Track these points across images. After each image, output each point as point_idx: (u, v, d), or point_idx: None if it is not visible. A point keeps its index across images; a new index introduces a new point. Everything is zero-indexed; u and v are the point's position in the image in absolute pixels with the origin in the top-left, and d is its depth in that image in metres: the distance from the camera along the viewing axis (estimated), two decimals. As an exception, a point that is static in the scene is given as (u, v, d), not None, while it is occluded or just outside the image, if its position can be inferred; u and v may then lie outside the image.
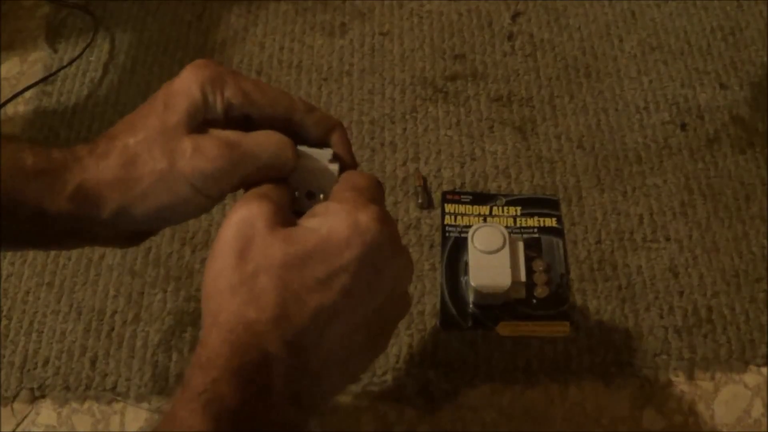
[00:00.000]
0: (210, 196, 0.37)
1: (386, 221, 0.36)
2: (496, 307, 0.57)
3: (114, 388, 0.54)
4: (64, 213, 0.35)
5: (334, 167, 0.39)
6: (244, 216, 0.36)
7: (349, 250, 0.34)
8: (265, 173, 0.38)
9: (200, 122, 0.37)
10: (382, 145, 0.66)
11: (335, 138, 0.40)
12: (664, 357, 0.55)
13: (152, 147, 0.36)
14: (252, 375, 0.32)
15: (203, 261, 0.60)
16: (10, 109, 0.69)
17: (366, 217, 0.35)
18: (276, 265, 0.33)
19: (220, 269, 0.34)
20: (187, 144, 0.36)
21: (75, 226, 0.36)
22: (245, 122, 0.38)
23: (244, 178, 0.38)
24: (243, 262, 0.34)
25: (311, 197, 0.39)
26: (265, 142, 0.37)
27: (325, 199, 0.39)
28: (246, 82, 0.38)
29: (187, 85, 0.37)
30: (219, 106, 0.37)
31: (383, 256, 0.35)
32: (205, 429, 0.30)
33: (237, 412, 0.31)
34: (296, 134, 0.39)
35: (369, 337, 0.36)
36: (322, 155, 0.39)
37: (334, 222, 0.34)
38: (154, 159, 0.35)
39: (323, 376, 0.35)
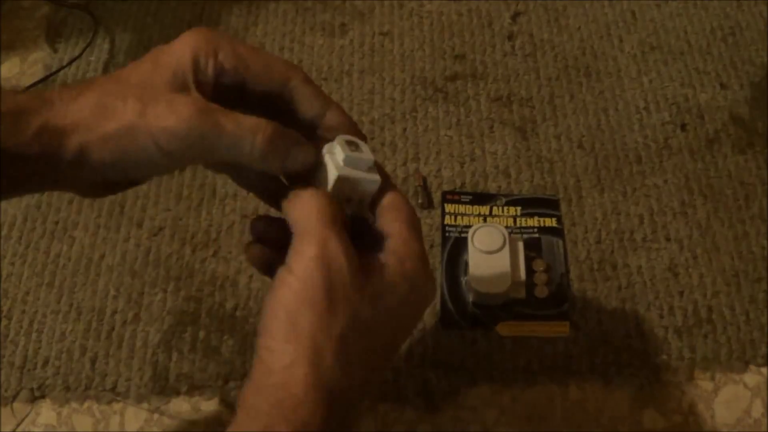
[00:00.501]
0: (172, 158, 0.34)
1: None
2: (496, 307, 0.57)
3: (114, 388, 0.54)
4: (27, 153, 0.34)
5: (376, 177, 0.37)
6: (330, 256, 0.34)
7: (423, 305, 0.37)
8: (232, 156, 0.35)
9: (186, 84, 0.35)
10: (382, 145, 0.66)
11: (331, 116, 0.37)
12: (664, 357, 0.55)
13: (127, 97, 0.34)
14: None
15: (203, 261, 0.60)
16: (10, 109, 0.69)
17: (429, 276, 0.36)
18: (365, 329, 0.34)
19: (306, 312, 0.33)
20: (162, 99, 0.34)
21: (37, 168, 0.34)
22: (239, 93, 0.36)
23: (211, 153, 0.34)
24: (334, 315, 0.33)
25: (349, 201, 0.37)
26: (243, 123, 0.34)
27: (364, 205, 0.37)
28: (242, 46, 0.36)
29: (179, 46, 0.36)
30: (210, 69, 0.35)
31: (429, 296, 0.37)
32: None
33: None
34: (290, 110, 0.37)
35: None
36: (363, 162, 0.36)
37: (423, 290, 0.36)
38: (126, 108, 0.34)
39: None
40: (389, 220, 0.37)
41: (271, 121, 0.35)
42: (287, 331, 0.33)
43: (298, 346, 0.33)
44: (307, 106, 0.37)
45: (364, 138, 0.38)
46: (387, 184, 0.38)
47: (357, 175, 0.36)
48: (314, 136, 0.38)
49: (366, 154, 0.36)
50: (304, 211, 0.35)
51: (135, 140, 0.34)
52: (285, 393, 0.32)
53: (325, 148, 0.36)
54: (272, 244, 0.37)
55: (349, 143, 0.36)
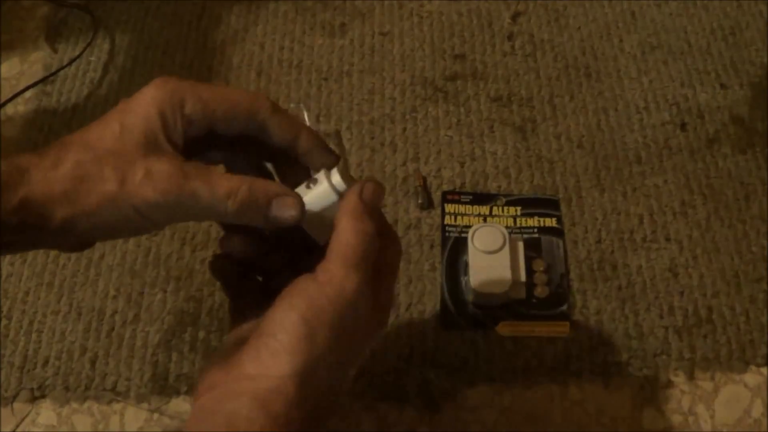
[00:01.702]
0: (154, 222, 0.36)
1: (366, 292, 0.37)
2: (496, 307, 0.57)
3: (114, 388, 0.54)
4: (9, 224, 0.34)
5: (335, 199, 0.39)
6: (361, 292, 0.36)
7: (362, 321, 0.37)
8: (211, 216, 0.37)
9: (158, 144, 0.36)
10: (382, 145, 0.66)
11: (303, 141, 0.39)
12: (664, 357, 0.55)
13: (104, 167, 0.34)
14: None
15: (203, 261, 0.60)
16: (10, 109, 0.69)
17: (351, 286, 0.36)
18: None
19: (324, 330, 0.35)
20: (138, 169, 0.34)
21: (19, 236, 0.35)
22: (211, 134, 0.37)
23: (190, 216, 0.37)
24: (338, 343, 0.35)
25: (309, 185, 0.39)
26: (216, 189, 0.35)
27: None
28: (206, 91, 0.37)
29: (144, 107, 0.36)
30: (179, 124, 0.36)
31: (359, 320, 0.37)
32: None
33: None
34: (262, 141, 0.38)
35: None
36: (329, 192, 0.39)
37: (359, 310, 0.36)
38: (104, 180, 0.34)
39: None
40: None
41: (248, 179, 0.35)
42: (296, 342, 0.34)
43: (302, 359, 0.34)
44: (278, 135, 0.38)
45: (336, 158, 0.40)
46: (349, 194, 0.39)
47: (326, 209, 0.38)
48: (295, 162, 0.39)
49: (323, 185, 0.38)
50: (353, 239, 0.37)
51: (118, 210, 0.34)
52: (276, 396, 0.34)
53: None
54: (239, 258, 0.40)
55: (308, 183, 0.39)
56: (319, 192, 0.38)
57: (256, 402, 0.33)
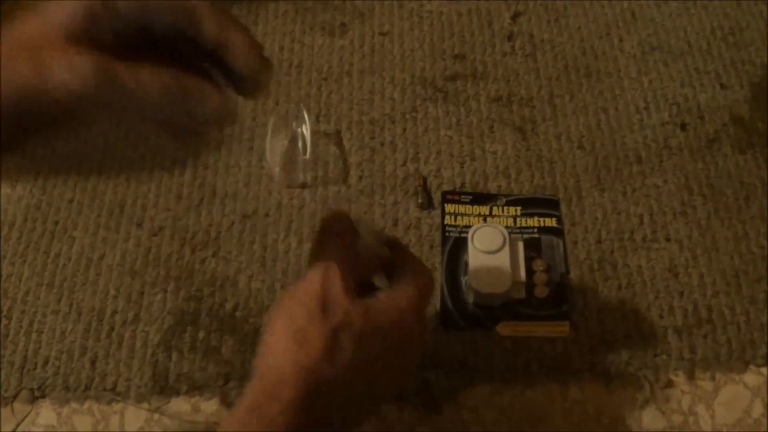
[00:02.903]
0: (75, 116, 0.34)
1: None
2: (496, 307, 0.57)
3: (114, 388, 0.54)
4: None
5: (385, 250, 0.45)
6: (325, 277, 0.40)
7: (406, 340, 0.42)
8: (133, 110, 0.34)
9: (82, 38, 0.33)
10: (382, 145, 0.66)
11: (234, 40, 0.35)
12: (664, 357, 0.55)
13: (19, 56, 0.33)
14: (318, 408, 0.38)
15: (203, 261, 0.60)
16: (10, 109, 0.69)
17: (423, 322, 0.43)
18: (356, 332, 0.39)
19: (302, 313, 0.40)
20: (58, 58, 0.32)
21: None
22: (145, 37, 0.35)
23: (113, 109, 0.34)
24: (326, 316, 0.39)
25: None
26: (140, 75, 0.33)
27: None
28: None
29: (69, 2, 0.33)
30: (108, 19, 0.34)
31: (415, 339, 0.43)
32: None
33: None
34: (195, 42, 0.35)
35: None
36: (376, 236, 0.45)
37: (405, 318, 0.41)
38: (20, 69, 0.32)
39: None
40: (403, 278, 0.43)
41: (171, 69, 0.33)
42: (285, 326, 0.39)
43: (291, 335, 0.39)
44: (209, 31, 0.35)
45: (267, 63, 0.36)
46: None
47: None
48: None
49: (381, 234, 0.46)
50: (321, 259, 0.41)
51: (37, 101, 0.32)
52: (275, 373, 0.38)
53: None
54: None
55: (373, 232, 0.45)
56: None
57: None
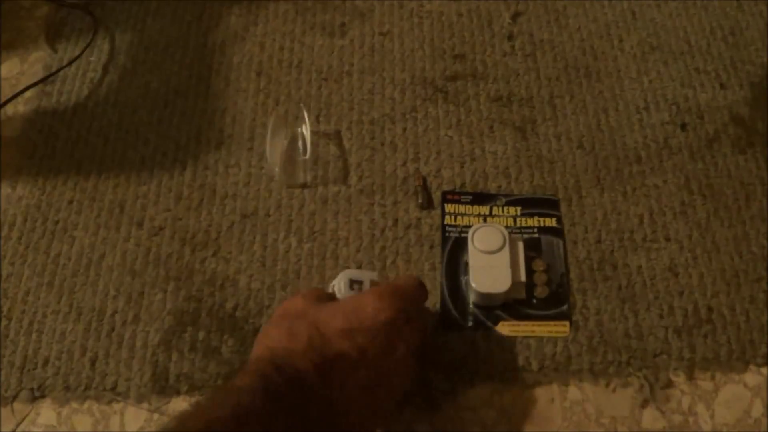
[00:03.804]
0: None
1: (396, 325, 0.47)
2: (496, 307, 0.57)
3: (114, 388, 0.54)
4: None
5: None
6: (290, 300, 0.50)
7: (369, 321, 0.46)
8: None
9: None
10: (382, 145, 0.66)
11: None
12: (664, 357, 0.55)
13: None
14: (292, 380, 0.42)
15: (203, 261, 0.60)
16: (10, 109, 0.70)
17: (389, 306, 0.47)
18: (310, 315, 0.46)
19: (268, 325, 0.48)
20: None
21: None
22: None
23: None
24: (285, 316, 0.47)
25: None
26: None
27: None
28: None
29: None
30: None
31: (392, 338, 0.47)
32: (257, 385, 0.41)
33: (280, 395, 0.41)
34: None
35: (385, 394, 0.47)
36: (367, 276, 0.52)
37: (363, 298, 0.47)
38: None
39: (349, 413, 0.44)
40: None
41: None
42: (258, 341, 0.48)
43: (260, 342, 0.47)
44: None
45: None
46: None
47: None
48: None
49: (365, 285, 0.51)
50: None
51: None
52: (245, 366, 0.44)
53: (334, 282, 0.52)
54: None
55: (353, 282, 0.51)
56: None
57: None
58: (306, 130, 0.64)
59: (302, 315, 0.46)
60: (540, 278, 0.58)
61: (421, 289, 0.52)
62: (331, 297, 0.51)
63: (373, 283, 0.52)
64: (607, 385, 0.54)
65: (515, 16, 0.75)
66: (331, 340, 0.45)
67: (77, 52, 0.73)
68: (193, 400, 0.54)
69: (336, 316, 0.46)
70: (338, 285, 0.51)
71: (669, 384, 0.54)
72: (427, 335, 0.54)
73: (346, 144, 0.66)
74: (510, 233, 0.58)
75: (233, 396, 0.40)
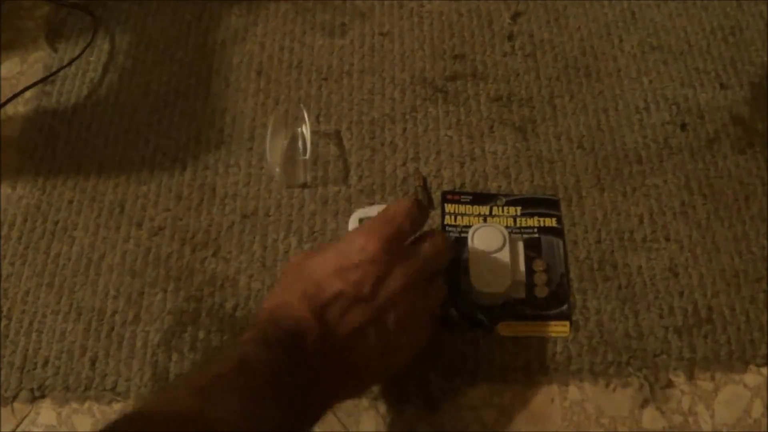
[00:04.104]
0: None
1: (389, 251, 0.47)
2: (496, 307, 0.57)
3: (114, 388, 0.54)
4: None
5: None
6: (290, 259, 0.53)
7: (358, 255, 0.46)
8: None
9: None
10: (382, 145, 0.66)
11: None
12: (664, 357, 0.55)
13: None
14: (290, 329, 0.43)
15: (203, 261, 0.60)
16: (10, 109, 0.70)
17: (377, 236, 0.47)
18: (304, 267, 0.47)
19: (272, 287, 0.52)
20: None
21: None
22: None
23: None
24: (284, 275, 0.49)
25: None
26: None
27: None
28: None
29: None
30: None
31: (388, 268, 0.46)
32: (258, 337, 0.43)
33: (279, 341, 0.43)
34: None
35: (387, 341, 0.47)
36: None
37: (352, 234, 0.47)
38: None
39: (347, 362, 0.45)
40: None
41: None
42: (278, 282, 0.51)
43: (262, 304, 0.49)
44: None
45: None
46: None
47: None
48: None
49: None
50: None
51: None
52: (249, 326, 0.46)
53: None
54: None
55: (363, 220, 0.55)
56: None
57: None
58: (306, 130, 0.64)
59: (297, 269, 0.47)
60: (540, 278, 0.58)
61: (413, 210, 0.49)
62: None
63: None
64: (607, 385, 0.54)
65: (515, 16, 0.75)
66: (324, 284, 0.45)
67: (77, 52, 0.73)
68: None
69: (327, 259, 0.46)
70: (351, 225, 0.55)
71: (669, 384, 0.54)
72: (441, 294, 0.53)
73: (346, 144, 0.66)
74: (510, 233, 0.58)
75: (236, 350, 0.42)
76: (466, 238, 0.58)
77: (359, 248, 0.46)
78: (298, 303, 0.45)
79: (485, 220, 0.61)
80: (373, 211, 0.54)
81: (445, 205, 0.62)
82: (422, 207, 0.50)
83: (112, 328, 0.57)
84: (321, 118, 0.68)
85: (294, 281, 0.47)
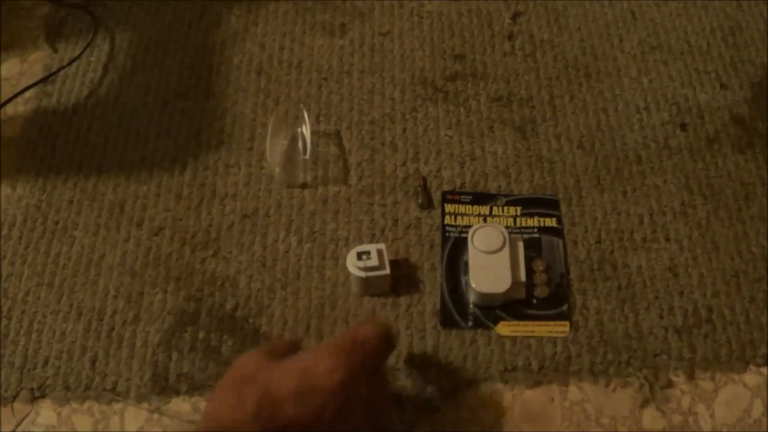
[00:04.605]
0: None
1: (353, 383, 0.44)
2: (496, 307, 0.57)
3: (114, 388, 0.54)
4: None
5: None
6: (243, 359, 0.46)
7: (322, 381, 0.43)
8: None
9: None
10: (382, 145, 0.66)
11: None
12: (664, 357, 0.55)
13: None
14: None
15: (203, 261, 0.60)
16: (10, 109, 0.70)
17: (343, 366, 0.44)
18: (260, 378, 0.43)
19: (219, 389, 0.45)
20: None
21: None
22: None
23: None
24: (236, 381, 0.44)
25: None
26: None
27: None
28: None
29: None
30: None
31: (349, 400, 0.43)
32: None
33: None
34: None
35: None
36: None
37: (317, 355, 0.44)
38: None
39: None
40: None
41: None
42: (207, 408, 0.46)
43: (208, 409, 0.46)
44: None
45: None
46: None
47: None
48: None
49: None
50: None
51: None
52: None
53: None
54: None
55: (360, 254, 0.55)
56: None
57: None
58: (306, 130, 0.64)
59: (253, 379, 0.44)
60: (540, 278, 0.58)
61: (384, 342, 0.47)
62: (291, 347, 0.49)
63: (379, 253, 0.55)
64: (607, 385, 0.54)
65: (515, 16, 0.75)
66: (283, 404, 0.42)
67: (77, 52, 0.73)
68: (193, 400, 0.54)
69: (288, 377, 0.43)
70: (348, 260, 0.55)
71: (669, 384, 0.54)
72: (388, 391, 0.51)
73: (346, 144, 0.66)
74: (510, 233, 0.58)
75: None
76: (466, 238, 0.58)
77: (324, 372, 0.43)
78: (251, 421, 0.42)
79: (485, 220, 0.61)
80: (371, 248, 0.55)
81: (445, 205, 0.62)
82: (393, 337, 0.48)
83: (112, 328, 0.57)
84: (321, 118, 0.68)
85: (248, 392, 0.43)
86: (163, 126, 0.68)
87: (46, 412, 0.54)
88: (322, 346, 0.45)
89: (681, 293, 0.58)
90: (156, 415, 0.53)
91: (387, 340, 0.47)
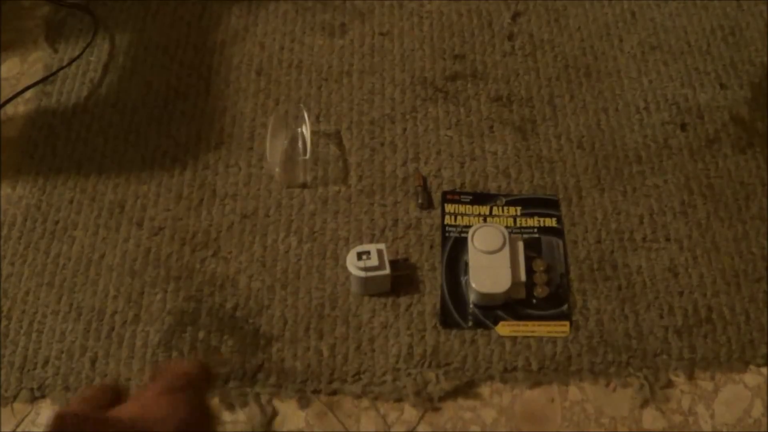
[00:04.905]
0: None
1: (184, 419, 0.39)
2: (496, 307, 0.57)
3: (114, 388, 0.54)
4: None
5: None
6: (64, 414, 0.39)
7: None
8: None
9: None
10: (382, 145, 0.66)
11: None
12: (664, 357, 0.55)
13: None
14: None
15: (203, 261, 0.60)
16: (10, 109, 0.70)
17: (163, 418, 0.39)
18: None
19: None
20: None
21: None
22: None
23: None
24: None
25: None
26: None
27: None
28: None
29: None
30: None
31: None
32: None
33: None
34: None
35: None
36: None
37: (141, 409, 0.39)
38: None
39: None
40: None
41: None
42: None
43: None
44: None
45: None
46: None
47: None
48: None
49: None
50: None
51: None
52: None
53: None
54: None
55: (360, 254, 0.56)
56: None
57: None
58: (306, 130, 0.64)
59: None
60: (540, 278, 0.58)
61: (204, 373, 0.43)
62: (114, 394, 0.43)
63: (379, 253, 0.56)
64: (607, 385, 0.54)
65: (515, 16, 0.75)
66: None
67: (77, 52, 0.73)
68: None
69: None
70: (349, 260, 0.56)
71: (669, 384, 0.54)
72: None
73: (346, 144, 0.66)
74: (510, 233, 0.58)
75: None
76: (466, 238, 0.58)
77: (159, 421, 0.39)
78: None
79: (485, 220, 0.61)
80: (371, 248, 0.56)
81: (445, 205, 0.62)
82: (209, 367, 0.44)
83: (112, 328, 0.57)
84: (321, 118, 0.68)
85: None
86: (163, 126, 0.68)
87: (46, 412, 0.54)
88: (148, 393, 0.41)
89: (681, 293, 0.58)
90: (156, 415, 0.53)
91: (206, 371, 0.44)
